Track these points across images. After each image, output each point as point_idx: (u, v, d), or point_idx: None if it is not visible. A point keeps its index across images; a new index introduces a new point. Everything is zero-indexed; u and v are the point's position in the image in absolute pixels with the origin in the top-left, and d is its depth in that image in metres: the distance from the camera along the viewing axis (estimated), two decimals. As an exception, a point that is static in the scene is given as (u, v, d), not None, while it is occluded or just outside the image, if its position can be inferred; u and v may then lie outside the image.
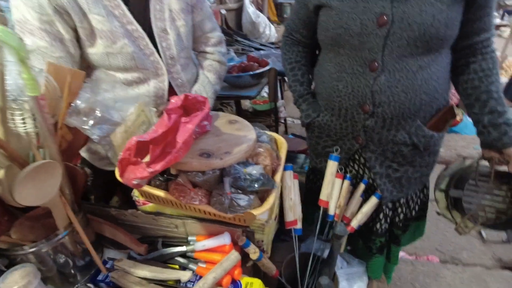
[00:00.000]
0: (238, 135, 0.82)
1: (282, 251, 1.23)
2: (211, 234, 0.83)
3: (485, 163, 0.98)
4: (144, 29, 0.91)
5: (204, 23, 1.08)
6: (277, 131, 1.79)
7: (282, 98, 2.72)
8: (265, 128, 2.22)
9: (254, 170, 0.71)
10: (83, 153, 0.99)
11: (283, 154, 0.89)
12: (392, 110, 0.86)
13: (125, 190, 1.18)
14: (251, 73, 1.49)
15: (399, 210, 1.10)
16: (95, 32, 0.83)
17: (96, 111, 0.65)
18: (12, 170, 0.53)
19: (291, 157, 2.09)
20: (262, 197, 0.76)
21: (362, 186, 1.05)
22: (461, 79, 0.91)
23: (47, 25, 0.78)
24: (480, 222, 1.00)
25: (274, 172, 0.83)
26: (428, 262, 1.80)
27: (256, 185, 0.71)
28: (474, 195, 1.02)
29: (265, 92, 2.41)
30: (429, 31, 0.76)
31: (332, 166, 0.96)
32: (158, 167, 0.53)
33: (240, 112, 1.69)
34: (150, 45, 0.92)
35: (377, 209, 1.07)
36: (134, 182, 0.55)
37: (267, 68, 1.55)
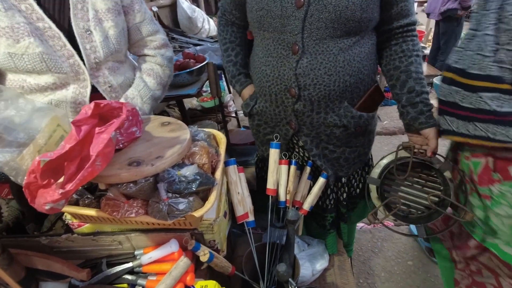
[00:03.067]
0: (171, 137, 0.78)
1: (247, 244, 1.22)
2: (159, 244, 0.79)
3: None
4: (61, 28, 0.83)
5: (142, 26, 1.00)
6: (225, 126, 1.76)
7: (229, 92, 2.69)
8: (214, 125, 2.19)
9: (188, 171, 0.68)
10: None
11: (222, 150, 0.87)
12: (317, 92, 0.87)
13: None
14: (188, 70, 1.44)
15: (342, 189, 1.15)
16: None
17: (-6, 133, 0.57)
18: None
19: (245, 149, 2.09)
20: (205, 196, 0.74)
21: (307, 169, 1.07)
22: (384, 61, 0.95)
23: None
24: (392, 213, 0.96)
25: (214, 169, 0.81)
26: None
27: (193, 186, 0.68)
28: (392, 186, 1.03)
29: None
30: (344, 13, 0.77)
31: (274, 153, 0.97)
32: (71, 186, 0.48)
33: (185, 112, 1.63)
34: (69, 46, 0.84)
35: (325, 187, 1.11)
36: (46, 207, 0.49)
37: (204, 63, 1.51)
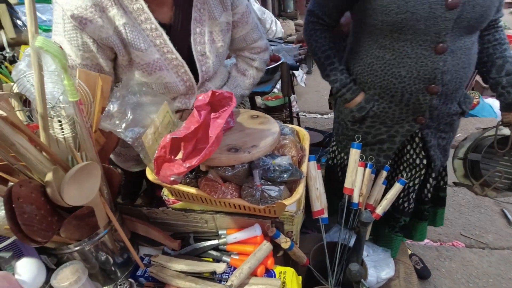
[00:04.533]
0: (262, 129, 0.83)
1: (306, 242, 1.24)
2: (240, 227, 0.85)
3: (505, 131, 1.03)
4: (183, 55, 0.87)
5: (249, 35, 1.02)
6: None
7: (293, 93, 2.72)
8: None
9: (283, 161, 0.72)
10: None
11: (306, 145, 0.90)
12: (454, 85, 0.93)
13: (150, 192, 1.22)
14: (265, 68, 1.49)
15: (443, 173, 1.20)
16: (133, 64, 0.83)
17: (128, 114, 0.67)
18: (57, 173, 0.56)
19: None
20: (290, 188, 0.78)
21: (384, 173, 1.05)
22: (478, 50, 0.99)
23: (88, 60, 0.79)
24: (495, 186, 1.03)
25: (300, 163, 0.84)
26: (453, 247, 1.78)
27: (285, 176, 0.72)
28: (492, 160, 1.07)
29: (275, 88, 2.42)
30: (486, 13, 0.84)
31: (354, 154, 0.97)
32: (195, 161, 0.55)
33: (255, 108, 1.70)
34: (189, 72, 0.90)
35: (407, 189, 1.12)
36: (171, 178, 0.57)
37: (279, 62, 1.56)
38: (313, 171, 0.94)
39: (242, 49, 1.07)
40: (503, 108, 1.03)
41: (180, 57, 0.86)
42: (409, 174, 1.13)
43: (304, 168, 0.81)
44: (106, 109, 0.66)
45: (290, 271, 0.77)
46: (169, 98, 0.93)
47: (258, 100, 2.60)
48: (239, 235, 0.81)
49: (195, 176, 0.80)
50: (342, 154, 1.23)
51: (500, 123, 1.04)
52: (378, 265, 1.19)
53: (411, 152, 1.10)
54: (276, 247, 0.83)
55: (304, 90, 3.92)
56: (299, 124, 2.72)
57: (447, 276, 1.59)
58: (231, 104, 0.66)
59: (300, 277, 0.79)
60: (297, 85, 3.63)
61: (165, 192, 0.89)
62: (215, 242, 0.83)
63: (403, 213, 1.16)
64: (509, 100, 0.98)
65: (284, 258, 0.89)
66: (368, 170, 1.05)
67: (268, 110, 2.55)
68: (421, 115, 0.98)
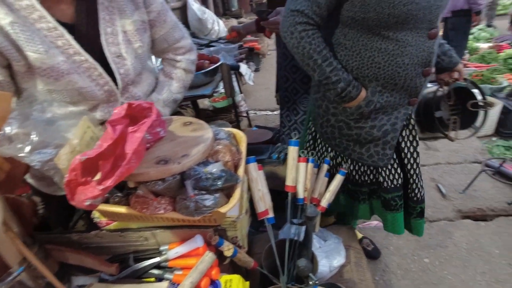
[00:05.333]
0: (194, 136, 0.80)
1: (262, 241, 1.24)
2: (183, 240, 0.82)
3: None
4: (95, 57, 0.81)
5: (169, 35, 0.98)
6: (239, 126, 1.79)
7: (240, 92, 2.71)
8: (227, 125, 2.21)
9: (214, 168, 0.70)
10: (29, 180, 0.92)
11: (243, 148, 0.89)
12: (436, 63, 1.07)
13: (89, 212, 1.12)
14: (203, 71, 1.46)
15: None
16: (34, 70, 0.74)
17: (32, 135, 0.60)
18: None
19: (257, 148, 2.11)
20: (228, 193, 0.76)
21: (325, 167, 1.09)
22: None
23: None
24: (452, 129, 1.20)
25: (236, 166, 0.82)
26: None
27: (219, 183, 0.70)
28: (444, 111, 1.22)
29: (222, 89, 2.39)
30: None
31: (292, 151, 0.98)
32: (110, 182, 0.51)
33: (199, 112, 1.66)
34: (105, 75, 0.83)
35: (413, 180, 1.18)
36: (87, 203, 0.52)
37: (218, 64, 1.54)
38: (254, 173, 0.93)
39: (166, 51, 1.03)
40: (438, 71, 1.20)
41: (91, 59, 0.80)
42: (411, 159, 1.15)
43: (241, 171, 0.80)
44: (1, 132, 0.58)
45: (236, 278, 0.76)
46: (89, 106, 0.86)
47: (206, 102, 2.55)
48: (180, 249, 0.77)
49: (126, 193, 0.74)
50: (339, 160, 1.22)
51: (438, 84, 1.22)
52: (330, 255, 1.23)
53: (409, 135, 1.13)
54: (223, 254, 0.81)
55: (253, 88, 3.94)
56: (249, 123, 2.73)
57: (395, 253, 1.71)
58: (151, 116, 0.62)
59: (248, 282, 0.78)
60: (245, 83, 3.64)
61: (96, 214, 0.82)
62: (156, 260, 0.79)
63: (418, 202, 1.21)
64: (443, 65, 1.16)
65: (233, 264, 0.88)
66: (310, 165, 1.07)
67: (217, 112, 2.52)
68: (415, 97, 1.05)
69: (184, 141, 0.78)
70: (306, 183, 1.06)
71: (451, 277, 1.54)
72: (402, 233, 1.27)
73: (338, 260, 1.22)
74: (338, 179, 1.07)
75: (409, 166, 1.16)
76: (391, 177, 1.16)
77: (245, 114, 2.72)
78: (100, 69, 0.82)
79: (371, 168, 1.18)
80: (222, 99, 2.52)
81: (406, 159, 1.15)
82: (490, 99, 2.85)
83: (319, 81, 0.99)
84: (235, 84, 2.76)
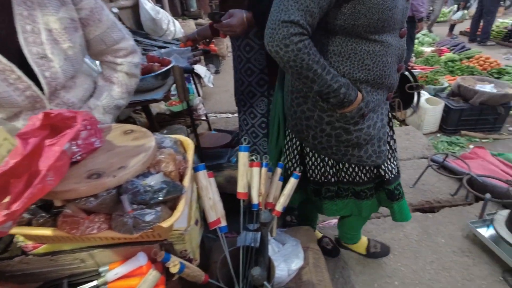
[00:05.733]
0: (135, 146, 0.74)
1: (221, 249, 1.20)
2: (126, 258, 0.75)
3: None
4: (11, 58, 0.71)
5: (107, 36, 0.90)
6: (195, 130, 1.73)
7: (199, 95, 2.65)
8: (184, 129, 2.14)
9: (153, 180, 0.65)
10: None
11: (190, 156, 0.84)
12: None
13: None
14: (153, 74, 1.39)
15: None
16: None
17: None
18: None
19: (217, 152, 2.06)
20: (173, 206, 0.71)
21: (278, 170, 1.08)
22: None
23: None
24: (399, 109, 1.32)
25: (182, 176, 0.78)
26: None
27: (160, 196, 0.65)
28: None
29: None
30: None
31: (243, 157, 0.96)
32: (17, 206, 0.44)
33: (151, 117, 1.57)
34: (25, 78, 0.74)
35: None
36: (-9, 230, 0.45)
37: (169, 67, 1.47)
38: (204, 181, 0.89)
39: (104, 53, 0.95)
40: None
41: (5, 60, 0.71)
42: (393, 147, 1.24)
43: (186, 181, 0.75)
44: None
45: (183, 296, 0.71)
46: (8, 115, 0.76)
47: (162, 106, 2.45)
48: (120, 269, 0.71)
49: (54, 213, 0.66)
50: (340, 166, 1.20)
51: None
52: (288, 258, 1.23)
53: (391, 127, 1.23)
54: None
55: (213, 90, 3.88)
56: (209, 126, 2.67)
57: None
58: (74, 126, 0.55)
59: (196, 299, 0.74)
60: (205, 86, 3.57)
61: (19, 238, 0.72)
62: (93, 284, 0.71)
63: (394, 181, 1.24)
64: None
65: (183, 279, 0.83)
66: (264, 169, 1.06)
67: (174, 116, 2.42)
68: (391, 92, 1.11)
69: (122, 151, 0.72)
70: (261, 188, 1.04)
71: (403, 268, 1.62)
72: (410, 219, 1.34)
73: (297, 263, 1.22)
74: (292, 182, 1.06)
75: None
76: (389, 168, 1.20)
77: (204, 118, 2.65)
78: (19, 72, 0.73)
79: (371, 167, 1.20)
80: (179, 102, 2.43)
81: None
82: (433, 99, 3.08)
83: (319, 91, 0.95)
84: (192, 87, 2.69)
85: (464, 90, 2.95)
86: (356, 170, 1.20)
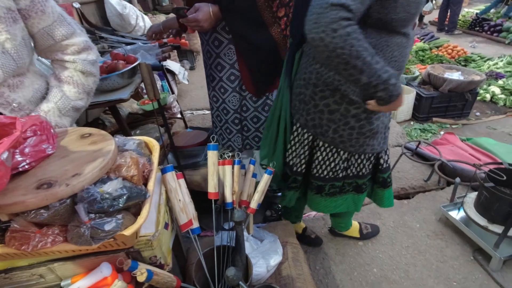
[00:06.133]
0: (92, 150, 0.69)
1: (202, 246, 1.16)
2: (91, 269, 0.71)
3: None
4: None
5: (54, 30, 0.84)
6: (168, 130, 1.67)
7: (173, 92, 2.57)
8: (157, 129, 2.07)
9: (111, 187, 0.61)
10: None
11: (155, 158, 0.80)
12: None
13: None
14: (118, 72, 1.32)
15: None
16: None
17: None
18: None
19: (193, 151, 2.01)
20: (136, 212, 0.67)
21: (251, 167, 1.06)
22: None
23: None
24: None
25: (147, 179, 0.74)
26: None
27: (120, 202, 0.61)
28: None
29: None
30: None
31: (212, 156, 0.93)
32: None
33: (120, 119, 1.50)
34: None
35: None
36: None
37: (135, 64, 1.40)
38: (172, 183, 0.86)
39: (53, 50, 0.88)
40: None
41: None
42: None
43: (151, 185, 0.71)
44: None
45: (153, 304, 0.68)
46: None
47: (134, 105, 2.36)
48: (82, 283, 0.67)
49: (1, 228, 0.61)
50: (352, 159, 1.20)
51: None
52: (266, 254, 1.22)
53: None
54: (140, 279, 0.72)
55: (188, 87, 3.79)
56: (185, 124, 2.61)
57: (333, 239, 1.78)
58: (13, 133, 0.50)
59: (168, 306, 0.71)
60: (180, 83, 3.48)
61: (-34, 257, 0.66)
62: (53, 300, 0.67)
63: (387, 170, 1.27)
64: None
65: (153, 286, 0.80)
66: (237, 166, 1.04)
67: (148, 115, 2.34)
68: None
69: (78, 157, 0.67)
70: (234, 186, 1.02)
71: (381, 255, 1.66)
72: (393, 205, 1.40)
73: (275, 259, 1.21)
74: (265, 178, 1.05)
75: None
76: (385, 157, 1.24)
77: (179, 116, 2.58)
78: None
79: (374, 155, 1.21)
80: (153, 101, 2.35)
81: None
82: (406, 87, 3.16)
83: (368, 83, 0.87)
84: (166, 84, 2.61)
85: (434, 79, 3.04)
86: (364, 161, 1.20)
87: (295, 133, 1.21)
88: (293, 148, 1.24)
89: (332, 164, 1.19)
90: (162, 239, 0.79)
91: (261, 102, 1.59)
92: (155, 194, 0.82)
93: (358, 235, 1.76)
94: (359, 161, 1.20)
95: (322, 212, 1.35)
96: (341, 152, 1.16)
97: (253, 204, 1.04)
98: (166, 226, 0.83)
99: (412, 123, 3.09)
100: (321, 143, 1.16)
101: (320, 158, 1.19)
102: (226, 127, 1.68)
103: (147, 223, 0.75)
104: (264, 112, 1.62)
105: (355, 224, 1.76)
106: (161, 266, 0.80)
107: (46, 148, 0.66)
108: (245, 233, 1.19)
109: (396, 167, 2.24)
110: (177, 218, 0.86)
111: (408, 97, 3.03)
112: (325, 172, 1.21)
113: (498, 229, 1.48)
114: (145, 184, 0.72)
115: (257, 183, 1.09)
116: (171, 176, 0.86)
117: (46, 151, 0.66)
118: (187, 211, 0.87)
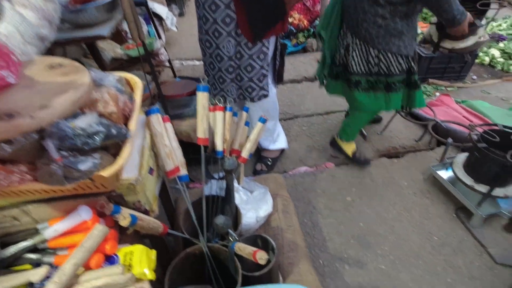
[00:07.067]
0: (63, 82, 0.60)
1: (192, 197, 1.12)
2: (69, 213, 0.66)
3: None
4: None
5: None
6: (155, 78, 1.55)
7: (159, 37, 2.37)
8: (143, 76, 1.94)
9: (84, 122, 0.53)
10: None
11: (138, 96, 0.72)
12: None
13: None
14: (95, 4, 1.16)
15: None
16: None
17: None
18: None
19: (181, 101, 1.91)
20: (116, 153, 0.61)
21: (244, 114, 0.99)
22: None
23: None
24: None
25: (127, 119, 0.66)
26: (326, 168, 2.01)
27: (97, 140, 0.54)
28: None
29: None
30: None
31: (202, 98, 0.85)
32: None
33: (100, 58, 1.36)
34: None
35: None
36: None
37: (115, -5, 1.24)
38: (157, 126, 0.78)
39: None
40: None
41: None
42: None
43: (132, 124, 0.64)
44: None
45: (138, 249, 0.65)
46: None
47: (118, 50, 2.17)
48: (59, 226, 0.62)
49: (-39, 164, 0.54)
50: (381, 57, 1.47)
51: None
52: (256, 205, 1.20)
53: None
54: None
55: (177, 35, 3.53)
56: (174, 73, 2.46)
57: (321, 194, 1.80)
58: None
59: (154, 251, 0.68)
60: (168, 30, 3.23)
61: None
62: (28, 243, 0.62)
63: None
64: None
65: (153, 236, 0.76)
66: (228, 113, 0.96)
67: (132, 61, 2.18)
68: None
69: (46, 89, 0.58)
70: (225, 134, 0.96)
71: (369, 211, 1.69)
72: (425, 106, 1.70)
73: (265, 210, 1.20)
74: (259, 126, 0.98)
75: None
76: (415, 64, 1.53)
77: (167, 64, 2.42)
78: None
79: (402, 57, 1.47)
80: (138, 45, 2.16)
81: None
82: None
83: (455, 15, 1.31)
84: (152, 29, 2.40)
85: (435, 33, 2.90)
86: (392, 61, 1.45)
87: (340, 36, 1.57)
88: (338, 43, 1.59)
89: (366, 58, 1.48)
90: (147, 185, 0.74)
91: (256, 50, 1.47)
92: (138, 136, 0.75)
93: (350, 155, 1.93)
94: (388, 59, 1.45)
95: (361, 109, 1.67)
96: (371, 49, 1.44)
97: (245, 154, 0.99)
98: (150, 171, 0.77)
99: (408, 83, 3.01)
100: (356, 41, 1.47)
101: (355, 54, 1.49)
102: (219, 75, 1.57)
103: (130, 166, 0.69)
104: (259, 60, 1.51)
105: (353, 144, 1.95)
106: (146, 212, 0.76)
107: (6, 77, 0.57)
108: (236, 184, 1.16)
109: (389, 126, 2.21)
110: (163, 164, 0.80)
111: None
112: (361, 67, 1.51)
113: (484, 188, 1.51)
114: (126, 124, 0.65)
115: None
116: (156, 119, 0.78)
117: (6, 79, 0.57)
118: (173, 157, 0.81)
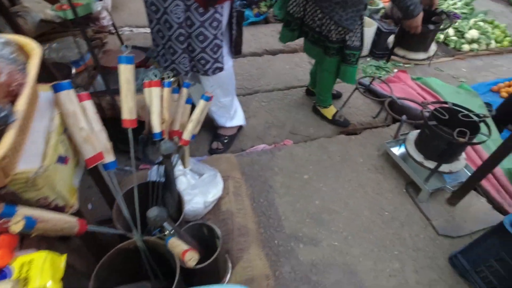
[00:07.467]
0: None
1: (139, 180, 1.01)
2: None
3: None
4: None
5: None
6: (89, 44, 1.34)
7: (100, -1, 2.07)
8: (81, 43, 1.69)
9: None
10: None
11: (33, 66, 0.57)
12: None
13: None
14: None
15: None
16: None
17: None
18: None
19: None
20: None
21: (184, 91, 0.87)
22: None
23: None
24: None
25: (16, 95, 0.52)
26: (285, 146, 1.96)
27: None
28: None
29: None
30: None
31: (124, 71, 0.71)
32: None
33: (18, 27, 1.12)
34: None
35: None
36: None
37: None
38: (69, 105, 0.64)
39: None
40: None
41: None
42: None
43: (21, 103, 0.50)
44: None
45: (40, 257, 0.53)
46: None
47: (48, 11, 1.86)
48: None
49: None
50: (324, 21, 1.66)
51: None
52: (205, 190, 1.12)
53: None
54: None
55: (126, -3, 3.17)
56: (121, 41, 2.19)
57: (279, 173, 1.76)
58: None
59: (63, 256, 0.57)
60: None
61: None
62: None
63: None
64: None
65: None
66: (167, 90, 0.84)
67: (67, 26, 1.88)
68: None
69: None
70: (163, 113, 0.84)
71: (325, 188, 1.69)
72: (355, 83, 1.88)
73: (214, 194, 1.12)
74: (201, 105, 0.87)
75: None
76: (353, 39, 1.65)
77: (113, 30, 2.14)
78: None
79: (339, 30, 1.62)
80: (76, 5, 1.87)
81: None
82: (368, 20, 2.98)
83: (408, 5, 1.44)
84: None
85: (396, 13, 2.88)
86: (332, 28, 1.62)
87: None
88: (295, 2, 1.72)
89: (314, 16, 1.67)
90: (56, 176, 0.61)
91: (208, 16, 1.32)
92: (39, 118, 0.61)
93: (330, 117, 2.08)
94: (329, 26, 1.63)
95: (304, 51, 1.96)
96: (318, 11, 1.62)
97: (186, 135, 0.88)
98: (63, 160, 0.64)
99: (368, 59, 3.01)
100: (310, 2, 1.63)
101: (308, 9, 1.68)
102: (169, 45, 1.40)
103: (29, 156, 0.56)
104: (212, 28, 1.36)
105: (332, 108, 2.09)
106: (60, 209, 0.64)
107: None
108: (182, 168, 1.06)
109: (348, 102, 2.20)
110: (80, 151, 0.67)
111: (369, 31, 2.88)
112: (310, 21, 1.72)
113: (432, 165, 1.56)
114: (13, 102, 0.50)
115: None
116: (67, 96, 0.64)
117: None
118: (93, 143, 0.68)
